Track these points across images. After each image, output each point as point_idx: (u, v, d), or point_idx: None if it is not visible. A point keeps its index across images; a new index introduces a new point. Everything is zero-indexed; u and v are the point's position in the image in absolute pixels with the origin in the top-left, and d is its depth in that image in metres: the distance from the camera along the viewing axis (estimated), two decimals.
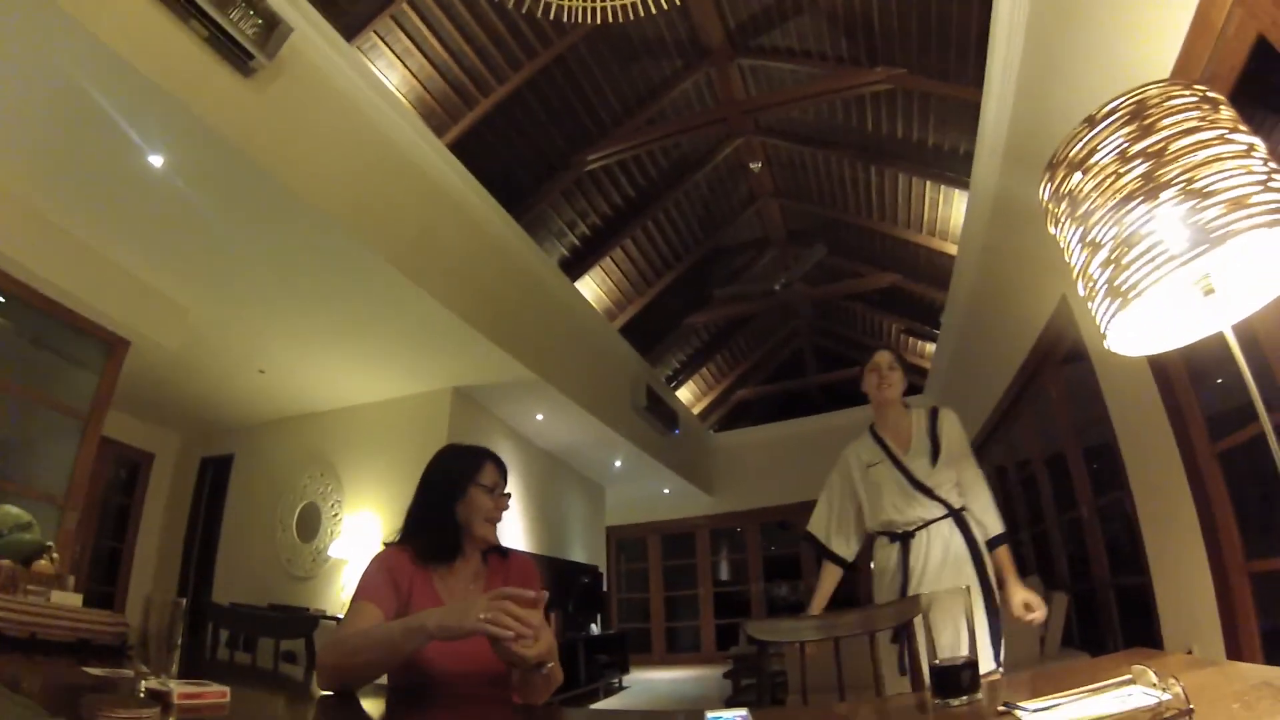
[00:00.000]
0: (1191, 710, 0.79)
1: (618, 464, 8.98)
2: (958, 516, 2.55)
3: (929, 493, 2.58)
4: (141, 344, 4.92)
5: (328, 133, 4.11)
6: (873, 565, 2.73)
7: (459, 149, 5.45)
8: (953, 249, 6.87)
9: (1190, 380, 3.02)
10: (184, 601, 1.09)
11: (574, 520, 8.84)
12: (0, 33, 2.91)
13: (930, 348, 9.78)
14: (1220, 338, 1.30)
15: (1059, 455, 5.08)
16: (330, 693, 1.40)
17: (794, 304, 9.13)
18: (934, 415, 2.76)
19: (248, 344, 5.59)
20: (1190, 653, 2.93)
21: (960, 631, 1.09)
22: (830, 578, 2.78)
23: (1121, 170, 1.27)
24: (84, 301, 4.48)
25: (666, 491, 10.50)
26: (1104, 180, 1.29)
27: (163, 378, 5.92)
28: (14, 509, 2.11)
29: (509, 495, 1.77)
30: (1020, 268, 4.92)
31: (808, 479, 9.93)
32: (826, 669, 1.72)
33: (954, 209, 6.82)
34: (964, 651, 1.08)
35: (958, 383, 7.88)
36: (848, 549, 2.80)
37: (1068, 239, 1.39)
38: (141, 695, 0.97)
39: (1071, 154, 1.37)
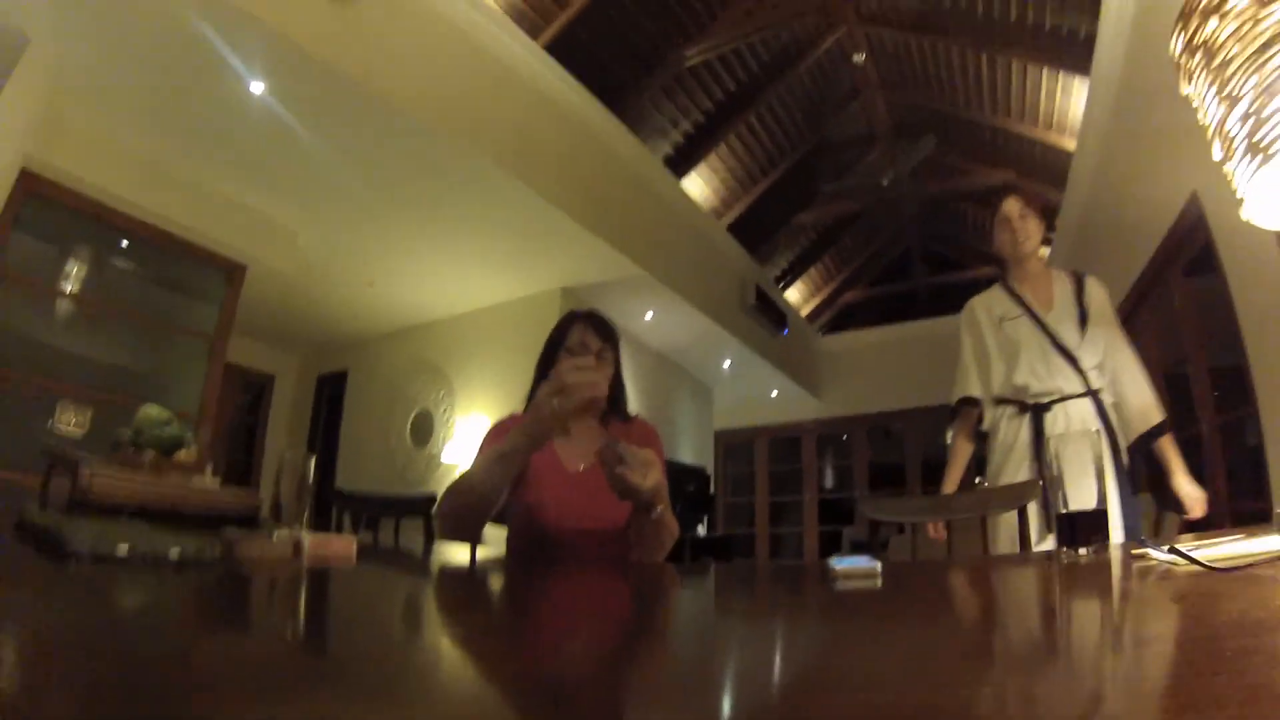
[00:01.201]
0: None
1: (726, 364, 8.94)
2: (1096, 399, 2.30)
3: (1073, 362, 2.31)
4: (257, 269, 5.20)
5: (420, 43, 4.13)
6: (992, 440, 2.44)
7: (555, 50, 5.38)
8: (1071, 143, 6.42)
9: None
10: (312, 458, 1.18)
11: (683, 422, 8.90)
12: None
13: (1045, 251, 9.28)
14: None
15: (1179, 372, 4.77)
16: (451, 540, 1.48)
17: (902, 203, 8.79)
18: (1080, 280, 2.47)
19: (358, 260, 5.81)
20: None
21: (1090, 482, 1.06)
22: (964, 454, 2.54)
23: (1261, 14, 1.15)
24: (201, 233, 4.78)
25: (774, 394, 10.42)
26: (1243, 25, 1.17)
27: (279, 301, 6.26)
28: (154, 408, 2.27)
29: (607, 355, 1.74)
30: (1146, 159, 4.57)
31: (914, 385, 9.78)
32: (939, 551, 1.71)
33: (1074, 99, 6.34)
34: (1093, 503, 1.05)
35: None
36: (985, 417, 2.52)
37: (1203, 95, 1.28)
38: (274, 540, 1.06)
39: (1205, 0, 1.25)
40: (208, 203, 4.76)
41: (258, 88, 3.74)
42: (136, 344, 4.79)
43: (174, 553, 0.85)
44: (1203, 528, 4.37)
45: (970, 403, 2.54)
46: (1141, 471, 2.32)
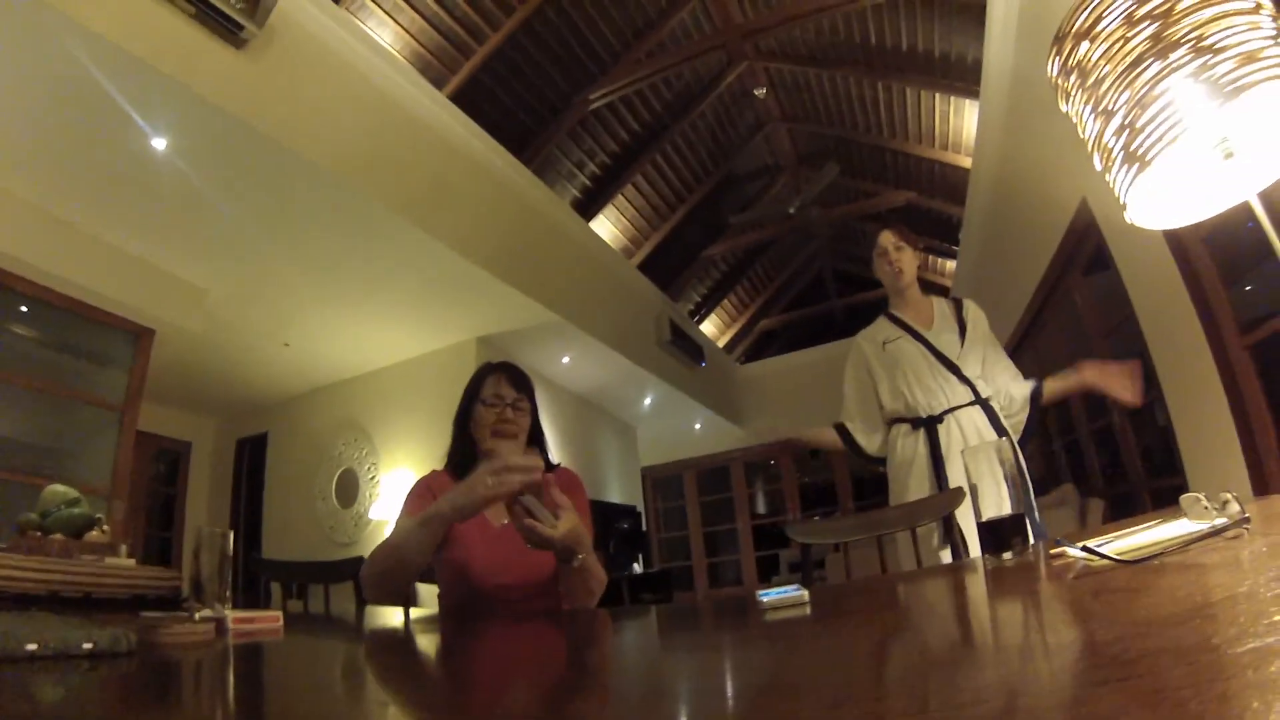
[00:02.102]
0: (1248, 519, 0.81)
1: (647, 402, 8.96)
2: (986, 406, 2.38)
3: (956, 371, 2.41)
4: (166, 331, 4.99)
5: (327, 95, 4.08)
6: (891, 459, 2.50)
7: (460, 99, 5.39)
8: (967, 161, 6.73)
9: (1218, 277, 2.96)
10: (231, 535, 1.13)
11: (609, 462, 8.87)
12: None
13: (950, 265, 9.65)
14: (1244, 232, 1.28)
15: None
16: (376, 603, 1.45)
17: (810, 228, 9.05)
18: (959, 303, 2.63)
19: (271, 319, 5.64)
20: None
21: (1001, 489, 1.09)
22: (831, 436, 2.67)
23: (1129, 34, 1.24)
24: (105, 296, 4.55)
25: (698, 427, 10.48)
26: (1112, 46, 1.26)
27: (191, 365, 6.01)
28: (61, 487, 2.17)
29: (523, 406, 1.74)
30: (1037, 172, 4.81)
31: (836, 405, 9.92)
32: (870, 568, 1.72)
33: (966, 120, 6.67)
34: (1007, 508, 1.08)
35: (981, 297, 7.53)
36: (871, 442, 2.61)
37: (1080, 112, 1.36)
38: (197, 620, 1.01)
39: (1078, 24, 1.33)
40: (112, 263, 4.53)
41: (161, 142, 3.61)
42: (40, 416, 4.49)
43: (87, 646, 0.80)
44: (1123, 509, 4.58)
45: (842, 429, 2.68)
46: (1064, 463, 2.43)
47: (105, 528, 2.03)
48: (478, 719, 0.55)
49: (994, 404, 2.41)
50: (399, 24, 5.25)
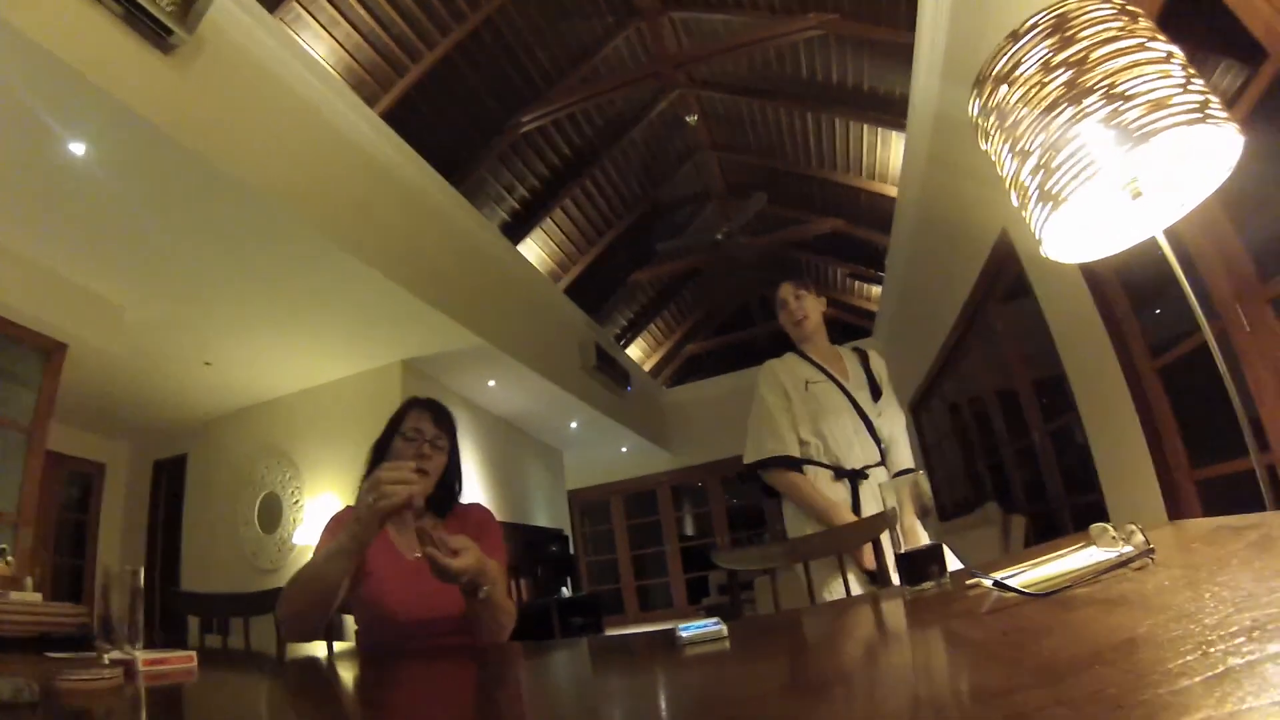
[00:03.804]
0: (1153, 550, 0.84)
1: (574, 426, 8.97)
2: (885, 466, 2.42)
3: (872, 431, 2.41)
4: (79, 348, 4.75)
5: (255, 109, 3.96)
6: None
7: (392, 118, 5.31)
8: (893, 191, 6.93)
9: (1129, 305, 3.11)
10: (141, 571, 1.07)
11: (535, 486, 8.84)
12: None
13: (876, 290, 9.91)
14: (1153, 263, 1.34)
15: (1009, 388, 5.19)
16: (296, 642, 1.43)
17: (737, 255, 9.18)
18: (864, 355, 2.63)
19: (191, 337, 5.42)
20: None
21: (918, 522, 1.11)
22: (829, 493, 2.33)
23: (1045, 80, 1.30)
24: (12, 308, 4.31)
25: (624, 451, 10.54)
26: (1029, 90, 1.32)
27: (106, 384, 5.74)
28: None
29: (442, 444, 1.73)
30: (960, 203, 4.98)
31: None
32: (799, 592, 1.73)
33: (893, 151, 6.87)
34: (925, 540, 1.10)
35: (905, 323, 7.99)
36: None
37: (999, 151, 1.42)
38: (106, 664, 0.96)
39: (997, 69, 1.39)
40: (20, 274, 4.27)
41: (79, 148, 3.42)
42: None
43: None
44: (1045, 526, 4.72)
45: (789, 462, 2.39)
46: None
47: (10, 559, 1.93)
48: None
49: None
50: (334, 38, 5.16)
